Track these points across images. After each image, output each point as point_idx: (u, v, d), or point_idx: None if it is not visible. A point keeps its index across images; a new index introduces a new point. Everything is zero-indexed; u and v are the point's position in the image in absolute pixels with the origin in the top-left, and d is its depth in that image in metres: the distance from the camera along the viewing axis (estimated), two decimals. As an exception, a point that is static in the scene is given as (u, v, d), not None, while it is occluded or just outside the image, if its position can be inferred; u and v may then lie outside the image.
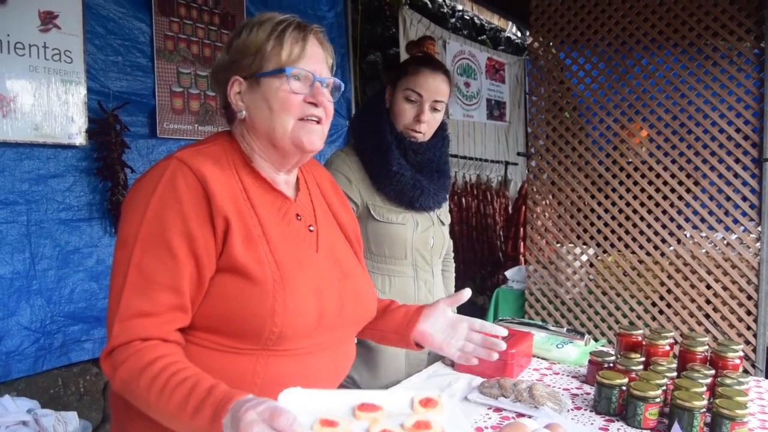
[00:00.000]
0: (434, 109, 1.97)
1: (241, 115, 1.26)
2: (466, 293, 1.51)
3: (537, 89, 3.87)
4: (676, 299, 3.41)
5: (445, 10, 5.62)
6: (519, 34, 6.91)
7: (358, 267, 1.42)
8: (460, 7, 5.91)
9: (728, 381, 1.67)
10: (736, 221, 3.27)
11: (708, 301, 3.33)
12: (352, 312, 1.31)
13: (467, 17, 6.04)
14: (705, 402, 1.51)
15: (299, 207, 1.33)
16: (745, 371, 2.94)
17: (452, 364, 2.01)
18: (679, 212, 3.40)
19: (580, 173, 3.68)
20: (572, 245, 3.74)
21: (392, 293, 1.96)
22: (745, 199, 3.23)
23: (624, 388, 1.63)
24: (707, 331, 3.31)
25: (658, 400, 1.56)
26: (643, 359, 1.82)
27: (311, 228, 1.32)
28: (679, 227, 3.41)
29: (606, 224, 3.61)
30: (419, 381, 1.90)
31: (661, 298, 3.45)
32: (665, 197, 3.43)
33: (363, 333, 1.54)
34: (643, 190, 3.48)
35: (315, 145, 1.25)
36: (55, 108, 2.62)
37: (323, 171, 1.53)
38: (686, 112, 3.35)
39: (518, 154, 6.05)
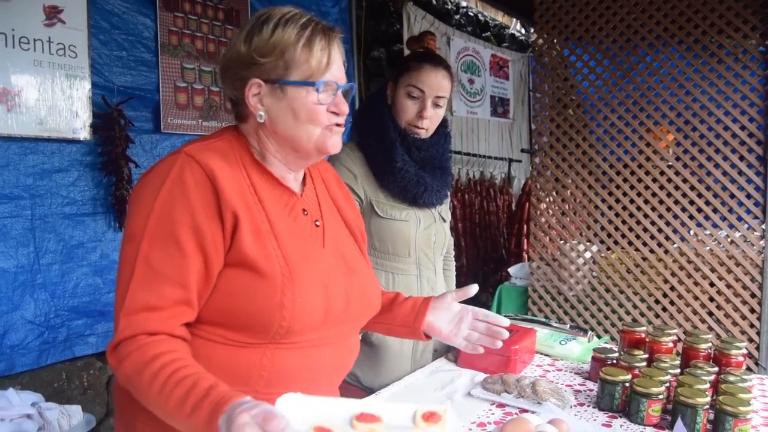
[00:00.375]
0: (436, 105, 1.97)
1: (260, 119, 1.23)
2: (473, 288, 1.54)
3: (541, 86, 3.86)
4: (680, 296, 3.40)
5: (449, 7, 5.61)
6: (523, 30, 6.90)
7: (363, 262, 1.43)
8: (464, 4, 5.90)
9: (731, 378, 1.67)
10: (740, 219, 3.27)
11: (711, 299, 3.33)
12: (358, 307, 1.31)
13: (471, 14, 6.03)
14: (708, 399, 1.52)
15: (305, 202, 1.33)
16: (749, 369, 2.94)
17: (455, 360, 2.01)
18: (683, 209, 3.40)
19: (583, 170, 3.68)
20: (576, 242, 3.74)
21: (395, 290, 1.94)
22: (749, 196, 3.23)
23: (627, 384, 1.63)
24: (711, 328, 3.31)
25: (661, 396, 1.56)
26: (646, 356, 1.82)
27: (317, 223, 1.33)
28: (683, 224, 3.40)
29: (610, 221, 3.61)
30: (422, 377, 1.90)
31: (665, 295, 3.45)
32: (669, 194, 3.42)
33: (370, 326, 1.55)
34: (647, 187, 3.48)
35: (338, 148, 1.28)
36: (60, 102, 2.62)
37: (328, 166, 1.53)
38: (691, 109, 3.35)
39: (522, 150, 6.05)
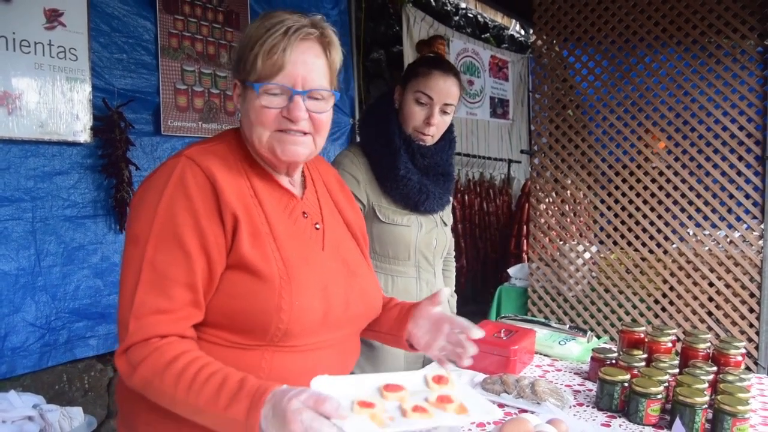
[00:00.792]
0: (444, 112, 1.97)
1: (238, 117, 1.28)
2: (443, 293, 1.39)
3: (540, 87, 3.87)
4: (679, 297, 3.41)
5: (448, 8, 5.62)
6: (523, 32, 6.91)
7: (364, 265, 1.42)
8: (463, 5, 5.91)
9: (730, 378, 1.68)
10: (738, 219, 3.27)
11: (711, 299, 3.33)
12: (358, 309, 1.32)
13: (471, 15, 6.04)
14: (707, 398, 1.52)
15: (306, 205, 1.33)
16: (748, 368, 2.95)
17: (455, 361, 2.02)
18: (682, 210, 3.41)
19: (583, 171, 3.69)
20: (575, 242, 3.75)
21: (394, 293, 1.97)
22: (747, 196, 3.23)
23: (626, 384, 1.64)
24: (710, 328, 3.32)
25: (660, 396, 1.57)
26: (645, 356, 1.83)
27: (317, 226, 1.33)
28: (682, 225, 3.41)
29: (609, 222, 3.62)
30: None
31: (664, 295, 3.45)
32: (668, 195, 3.43)
33: (363, 333, 1.53)
34: (645, 187, 3.48)
35: (295, 155, 1.22)
36: (60, 105, 2.63)
37: (330, 168, 1.53)
38: (689, 109, 3.36)
39: (521, 151, 6.05)
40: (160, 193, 1.15)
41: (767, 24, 3.13)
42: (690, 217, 3.39)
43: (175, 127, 3.09)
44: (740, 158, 3.24)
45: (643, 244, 3.51)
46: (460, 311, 2.32)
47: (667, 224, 3.44)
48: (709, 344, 1.87)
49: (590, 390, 1.82)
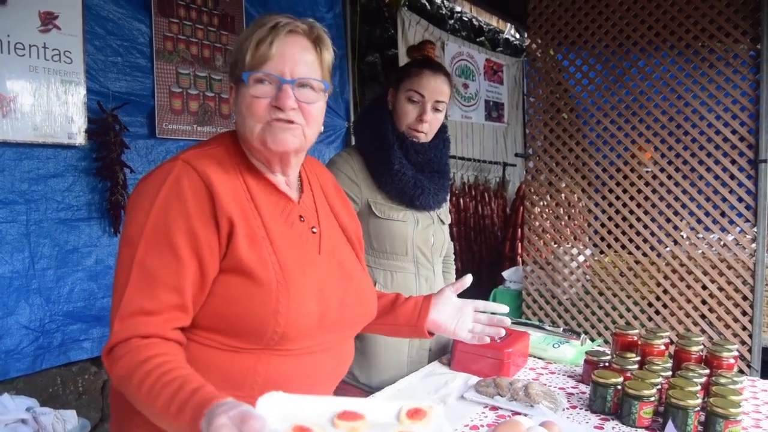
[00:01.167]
0: (436, 110, 2.01)
1: (233, 119, 1.29)
2: (468, 279, 1.58)
3: (535, 91, 3.89)
4: (673, 300, 3.42)
5: (443, 12, 5.64)
6: (518, 35, 6.93)
7: (360, 269, 1.43)
8: (458, 9, 5.93)
9: (723, 380, 1.69)
10: (732, 222, 3.29)
11: (704, 302, 3.34)
12: (353, 313, 1.32)
13: (466, 19, 6.05)
14: (699, 401, 1.53)
15: (302, 209, 1.34)
16: (741, 371, 2.96)
17: (448, 364, 2.03)
18: (676, 213, 3.42)
19: (577, 174, 3.70)
20: (569, 246, 3.76)
21: (393, 288, 2.00)
22: (740, 200, 3.25)
23: (619, 387, 1.65)
24: (703, 331, 3.33)
25: (652, 398, 1.58)
26: (638, 359, 1.83)
27: (314, 230, 1.33)
28: (676, 228, 3.42)
29: (603, 225, 3.63)
30: (416, 380, 1.91)
31: (658, 298, 3.47)
32: (662, 198, 3.44)
33: (372, 328, 1.56)
34: (639, 191, 3.50)
35: (285, 145, 1.23)
36: (55, 108, 2.63)
37: (327, 173, 1.54)
38: (683, 113, 3.37)
39: (516, 155, 6.07)
40: (155, 195, 1.16)
41: (759, 28, 3.15)
42: (683, 220, 3.41)
43: (170, 130, 3.09)
44: (733, 162, 3.25)
45: (637, 248, 3.52)
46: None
47: (660, 227, 3.46)
48: (701, 347, 1.88)
49: (584, 393, 1.83)
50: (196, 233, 1.14)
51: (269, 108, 1.21)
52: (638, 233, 3.51)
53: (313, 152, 4.06)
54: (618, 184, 3.56)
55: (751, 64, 3.20)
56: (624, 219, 3.55)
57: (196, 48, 3.22)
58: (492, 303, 1.59)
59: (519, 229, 4.92)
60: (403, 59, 4.57)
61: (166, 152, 3.06)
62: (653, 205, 3.47)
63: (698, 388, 1.60)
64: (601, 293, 3.63)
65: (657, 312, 3.47)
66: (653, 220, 3.47)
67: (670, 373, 1.76)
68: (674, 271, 3.42)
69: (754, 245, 3.23)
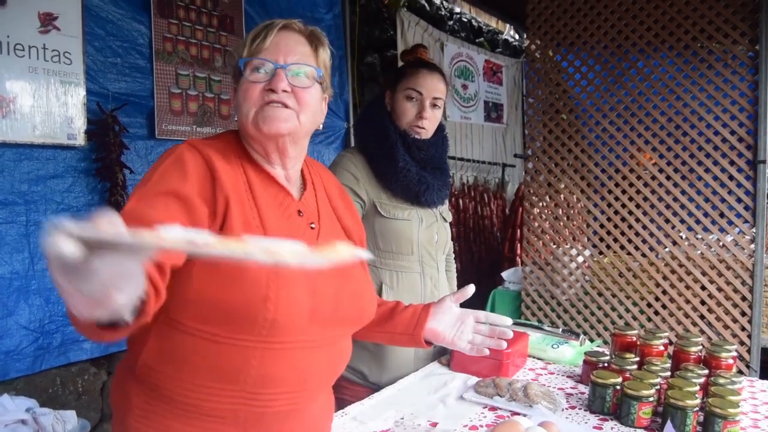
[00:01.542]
0: (434, 106, 2.05)
1: (234, 119, 1.32)
2: (470, 289, 1.57)
3: (534, 91, 3.89)
4: (671, 300, 3.43)
5: (442, 13, 5.64)
6: (517, 36, 6.93)
7: (360, 269, 1.43)
8: (457, 10, 5.93)
9: (721, 380, 1.69)
10: (730, 223, 3.29)
11: (703, 303, 3.35)
12: (348, 311, 1.32)
13: (465, 19, 6.06)
14: (698, 401, 1.53)
15: (302, 206, 1.35)
16: (740, 372, 2.96)
17: (448, 364, 2.03)
18: (675, 214, 3.43)
19: (576, 175, 3.70)
20: (568, 246, 3.76)
21: (400, 288, 2.01)
22: (739, 200, 3.25)
23: (618, 387, 1.65)
24: (702, 332, 3.33)
25: (651, 399, 1.58)
26: (637, 359, 1.84)
27: (312, 225, 1.34)
28: (674, 228, 3.43)
29: (602, 226, 3.63)
30: (415, 380, 1.92)
31: (657, 299, 3.47)
32: (660, 199, 3.45)
33: (371, 336, 1.56)
34: (638, 191, 3.50)
35: (277, 128, 1.24)
36: (55, 109, 2.63)
37: (332, 177, 1.55)
38: (681, 114, 3.38)
39: (515, 155, 6.07)
40: (157, 166, 1.19)
41: (758, 29, 3.16)
42: (682, 221, 3.41)
43: (170, 130, 3.09)
44: (732, 162, 3.26)
45: (636, 248, 3.53)
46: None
47: (659, 228, 3.46)
48: (700, 347, 1.88)
49: (582, 393, 1.84)
50: (189, 199, 1.15)
51: (263, 92, 1.24)
52: (637, 234, 3.52)
53: (312, 152, 4.07)
54: (617, 184, 3.56)
55: (749, 65, 3.21)
56: (623, 220, 3.56)
57: (195, 49, 3.22)
58: (494, 314, 1.57)
59: (518, 230, 4.92)
60: (401, 60, 4.57)
61: (165, 153, 3.06)
62: (652, 206, 3.47)
63: (697, 388, 1.60)
64: (600, 294, 3.64)
65: (656, 312, 3.48)
66: (652, 221, 3.48)
67: (668, 373, 1.76)
68: (673, 271, 3.42)
69: (752, 246, 3.24)
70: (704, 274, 3.34)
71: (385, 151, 1.99)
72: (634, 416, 1.58)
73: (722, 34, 3.24)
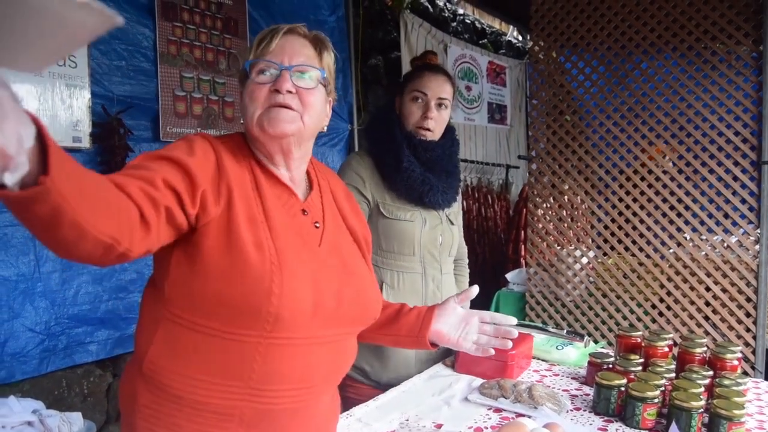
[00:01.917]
0: (440, 106, 2.08)
1: (240, 122, 1.34)
2: (474, 290, 1.56)
3: (538, 93, 3.89)
4: (676, 301, 3.42)
5: (446, 15, 5.65)
6: (520, 37, 6.94)
7: (364, 268, 1.44)
8: (461, 11, 5.94)
9: (726, 382, 1.69)
10: (735, 224, 3.28)
11: (707, 304, 3.34)
12: (352, 309, 1.33)
13: (468, 21, 6.06)
14: (703, 402, 1.53)
15: (307, 205, 1.36)
16: (745, 373, 2.96)
17: (452, 366, 2.03)
18: (679, 215, 3.42)
19: (580, 176, 3.70)
20: (573, 248, 3.76)
21: (402, 288, 2.03)
22: (744, 201, 3.25)
23: (623, 388, 1.65)
24: (707, 333, 3.32)
25: (656, 400, 1.58)
26: (641, 360, 1.84)
27: (317, 225, 1.35)
28: (679, 230, 3.42)
29: (606, 227, 3.63)
30: (420, 382, 1.92)
31: (661, 300, 3.47)
32: (665, 200, 3.45)
33: (376, 338, 1.57)
34: (642, 192, 3.50)
35: (281, 129, 1.26)
36: (60, 112, 2.65)
37: (338, 180, 1.56)
38: (685, 115, 3.37)
39: (519, 157, 6.07)
40: (164, 146, 1.22)
41: (761, 30, 3.15)
42: (686, 222, 3.41)
43: (174, 133, 3.10)
44: (736, 163, 3.25)
45: (640, 249, 3.52)
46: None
47: (663, 229, 3.46)
48: (705, 348, 1.88)
49: (587, 394, 1.84)
50: (190, 169, 1.15)
51: (269, 93, 1.26)
52: (641, 235, 3.52)
53: (316, 155, 4.08)
54: (621, 186, 3.56)
55: (753, 66, 3.20)
56: (627, 221, 3.55)
57: (199, 51, 3.24)
58: (499, 314, 1.55)
59: (522, 231, 4.92)
60: (406, 62, 4.58)
61: (170, 155, 3.07)
62: (656, 207, 3.47)
63: (702, 389, 1.60)
64: (604, 295, 3.64)
65: (660, 314, 3.47)
66: (656, 221, 3.47)
67: (673, 374, 1.76)
68: (677, 273, 3.42)
69: (757, 247, 3.23)
70: (709, 275, 3.34)
71: (391, 153, 2.03)
72: (639, 418, 1.58)
73: (726, 35, 3.24)
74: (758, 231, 3.23)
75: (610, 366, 1.85)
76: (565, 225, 3.78)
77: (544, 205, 3.85)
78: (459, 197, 2.28)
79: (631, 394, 1.59)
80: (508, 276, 4.23)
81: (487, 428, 1.57)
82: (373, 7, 4.68)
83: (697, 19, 3.30)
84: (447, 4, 5.69)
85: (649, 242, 3.50)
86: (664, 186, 3.44)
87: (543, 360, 2.19)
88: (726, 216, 3.30)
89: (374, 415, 1.65)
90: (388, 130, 2.07)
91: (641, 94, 3.50)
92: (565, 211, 3.78)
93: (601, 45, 3.61)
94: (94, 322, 2.81)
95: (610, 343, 3.27)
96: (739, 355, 1.86)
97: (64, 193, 0.80)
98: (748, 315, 3.25)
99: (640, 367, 1.79)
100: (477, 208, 5.44)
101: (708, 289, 3.34)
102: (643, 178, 3.49)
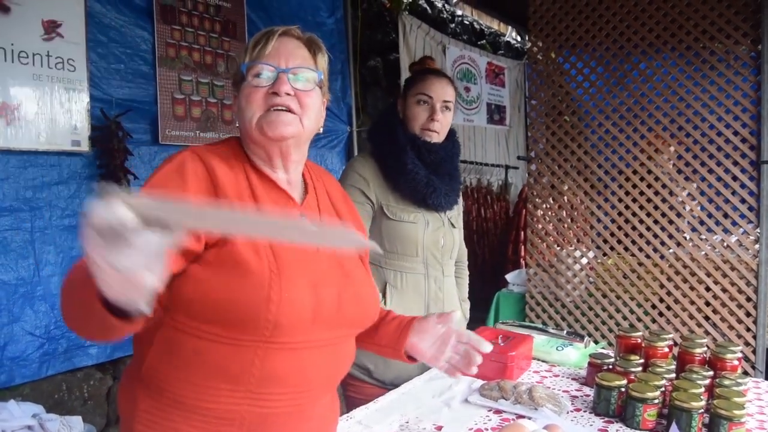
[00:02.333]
0: (445, 109, 2.12)
1: (237, 125, 1.33)
2: (456, 315, 1.46)
3: (536, 93, 3.89)
4: (676, 301, 3.42)
5: (444, 16, 5.65)
6: (519, 38, 6.94)
7: (362, 271, 1.44)
8: (459, 12, 5.94)
9: (726, 382, 1.69)
10: (734, 223, 3.28)
11: (707, 303, 3.34)
12: (351, 312, 1.32)
13: (467, 22, 6.06)
14: (703, 403, 1.53)
15: (304, 209, 1.36)
16: (745, 373, 2.95)
17: (453, 367, 2.03)
18: (678, 215, 3.42)
19: (579, 177, 3.70)
20: (572, 248, 3.76)
21: (405, 288, 2.05)
22: (743, 201, 3.25)
23: (623, 389, 1.65)
24: (707, 333, 3.32)
25: (656, 401, 1.58)
26: (642, 361, 1.84)
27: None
28: (678, 230, 3.42)
29: (605, 227, 3.63)
30: (420, 384, 1.92)
31: (661, 300, 3.46)
32: (664, 200, 3.44)
33: (361, 345, 1.54)
34: (642, 192, 3.50)
35: (281, 131, 1.26)
36: (59, 116, 2.65)
37: (334, 181, 1.56)
38: (684, 115, 3.37)
39: (518, 157, 6.07)
40: (157, 172, 1.20)
41: (760, 29, 3.15)
42: (686, 222, 3.41)
43: (173, 136, 3.10)
44: (735, 163, 3.25)
45: (640, 249, 3.52)
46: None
47: (663, 229, 3.46)
48: (705, 348, 1.88)
49: (588, 395, 1.83)
50: None
51: (266, 96, 1.26)
52: (641, 235, 3.51)
53: (315, 157, 4.08)
54: (620, 186, 3.56)
55: (752, 65, 3.20)
56: (627, 221, 3.55)
57: (198, 54, 3.24)
58: (476, 337, 1.41)
59: (522, 232, 4.92)
60: (405, 63, 4.58)
61: (169, 158, 3.07)
62: (656, 207, 3.47)
63: (702, 390, 1.60)
64: (604, 295, 3.63)
65: (660, 314, 3.47)
66: (656, 221, 3.47)
67: (673, 375, 1.76)
68: (677, 273, 3.41)
69: (757, 246, 3.23)
70: (708, 275, 3.34)
71: (394, 155, 2.06)
72: (639, 418, 1.58)
73: (724, 35, 3.24)
74: (758, 230, 3.23)
75: (611, 367, 1.85)
76: (565, 225, 3.77)
77: (544, 206, 3.85)
78: (460, 200, 2.31)
79: (632, 395, 1.59)
80: (508, 277, 4.23)
81: (487, 430, 1.56)
82: (371, 9, 4.68)
83: (696, 19, 3.30)
84: (445, 5, 5.69)
85: (648, 242, 3.50)
86: (663, 186, 3.44)
87: (543, 361, 2.19)
88: (725, 216, 3.30)
89: (374, 417, 1.65)
90: (391, 132, 2.10)
91: (640, 95, 3.50)
92: (564, 212, 3.78)
93: (600, 45, 3.61)
94: (94, 325, 2.81)
95: (610, 344, 3.27)
96: (740, 354, 1.85)
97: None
98: (748, 314, 3.25)
99: (640, 368, 1.79)
100: (476, 209, 5.44)
101: (708, 288, 3.34)
102: (642, 178, 3.49)
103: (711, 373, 1.75)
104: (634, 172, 3.52)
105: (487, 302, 4.10)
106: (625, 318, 3.56)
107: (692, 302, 3.38)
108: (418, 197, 2.07)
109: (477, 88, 5.73)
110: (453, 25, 5.80)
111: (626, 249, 3.57)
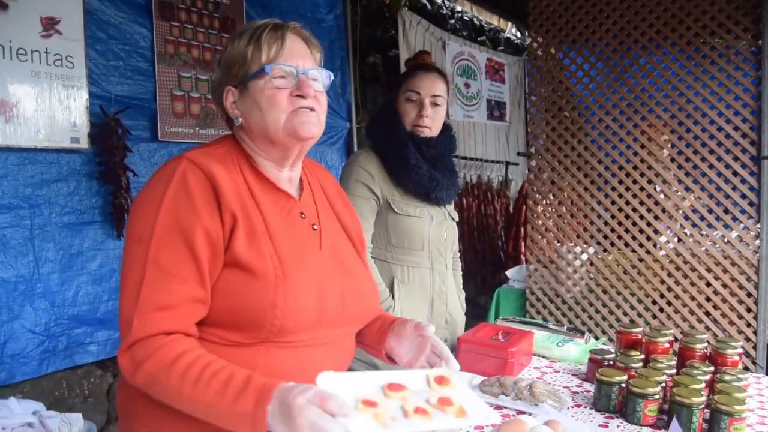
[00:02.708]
0: (434, 104, 2.13)
1: (238, 122, 1.32)
2: (430, 329, 1.40)
3: (536, 89, 3.89)
4: (676, 297, 3.42)
5: (444, 12, 5.64)
6: (518, 34, 6.92)
7: (361, 266, 1.44)
8: (459, 8, 5.93)
9: (727, 377, 1.69)
10: (735, 219, 3.28)
11: (708, 299, 3.34)
12: (354, 309, 1.33)
13: (466, 18, 6.05)
14: (704, 398, 1.53)
15: (303, 206, 1.36)
16: (746, 368, 2.95)
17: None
18: (679, 210, 3.42)
19: (579, 172, 3.70)
20: (572, 244, 3.76)
21: (412, 283, 2.08)
22: (744, 196, 3.24)
23: (623, 385, 1.65)
24: (708, 328, 3.32)
25: (657, 396, 1.58)
26: (642, 356, 1.83)
27: (315, 227, 1.35)
28: (679, 225, 3.42)
29: (606, 223, 3.63)
30: (421, 380, 1.91)
31: (662, 296, 3.46)
32: (665, 195, 3.44)
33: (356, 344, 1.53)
34: (642, 188, 3.49)
35: (311, 131, 1.28)
36: (58, 113, 2.64)
37: (328, 175, 1.56)
38: (684, 110, 3.37)
39: (518, 153, 6.06)
40: (162, 192, 1.18)
41: (760, 24, 3.14)
42: (686, 218, 3.40)
43: (173, 133, 3.10)
44: (736, 158, 3.25)
45: (640, 245, 3.52)
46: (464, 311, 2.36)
47: (663, 225, 3.45)
48: (706, 344, 1.88)
49: (588, 391, 1.83)
50: (206, 227, 1.17)
51: (291, 98, 1.26)
52: (641, 231, 3.51)
53: (315, 153, 4.07)
54: (621, 182, 3.56)
55: (752, 60, 3.20)
56: (627, 217, 3.55)
57: (197, 51, 3.23)
58: (448, 354, 1.35)
59: (522, 228, 4.91)
60: (404, 59, 4.57)
61: (168, 155, 3.07)
62: (656, 203, 3.46)
63: (703, 385, 1.60)
64: (604, 291, 3.63)
65: (661, 309, 3.47)
66: (656, 217, 3.47)
67: (674, 370, 1.76)
68: (678, 268, 3.41)
69: (757, 242, 3.23)
70: (709, 270, 3.33)
71: (396, 150, 2.07)
72: (639, 414, 1.57)
73: (725, 30, 3.23)
74: (758, 226, 3.23)
75: (611, 362, 1.85)
76: (565, 221, 3.77)
77: (544, 202, 3.84)
78: None
79: (632, 391, 1.59)
80: (508, 273, 4.23)
81: (487, 426, 1.56)
82: (371, 5, 4.67)
83: (696, 14, 3.29)
84: (445, 1, 5.68)
85: (649, 238, 3.49)
86: (664, 181, 3.44)
87: (543, 357, 2.19)
88: (726, 211, 3.30)
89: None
90: (391, 128, 2.11)
91: (640, 90, 3.49)
92: (564, 208, 3.78)
93: (600, 41, 3.60)
94: (94, 322, 2.81)
95: (610, 340, 3.26)
96: (740, 350, 1.85)
97: None
98: (748, 310, 3.24)
99: (640, 364, 1.78)
100: (477, 206, 5.43)
101: (708, 284, 3.34)
102: (642, 174, 3.49)
103: (712, 368, 1.74)
104: (635, 167, 3.51)
105: (487, 298, 4.10)
106: (625, 314, 3.55)
107: (693, 298, 3.37)
108: (422, 192, 2.09)
109: (477, 84, 5.72)
110: (453, 21, 5.78)
111: (627, 245, 3.57)
